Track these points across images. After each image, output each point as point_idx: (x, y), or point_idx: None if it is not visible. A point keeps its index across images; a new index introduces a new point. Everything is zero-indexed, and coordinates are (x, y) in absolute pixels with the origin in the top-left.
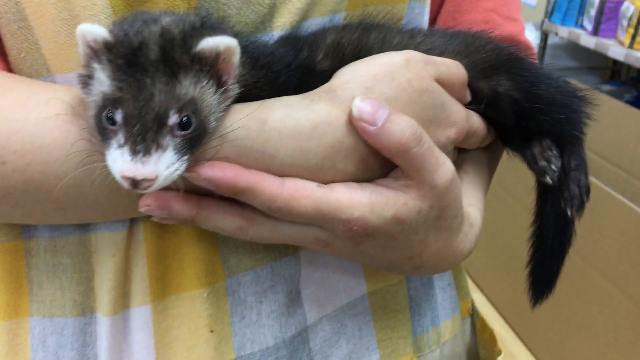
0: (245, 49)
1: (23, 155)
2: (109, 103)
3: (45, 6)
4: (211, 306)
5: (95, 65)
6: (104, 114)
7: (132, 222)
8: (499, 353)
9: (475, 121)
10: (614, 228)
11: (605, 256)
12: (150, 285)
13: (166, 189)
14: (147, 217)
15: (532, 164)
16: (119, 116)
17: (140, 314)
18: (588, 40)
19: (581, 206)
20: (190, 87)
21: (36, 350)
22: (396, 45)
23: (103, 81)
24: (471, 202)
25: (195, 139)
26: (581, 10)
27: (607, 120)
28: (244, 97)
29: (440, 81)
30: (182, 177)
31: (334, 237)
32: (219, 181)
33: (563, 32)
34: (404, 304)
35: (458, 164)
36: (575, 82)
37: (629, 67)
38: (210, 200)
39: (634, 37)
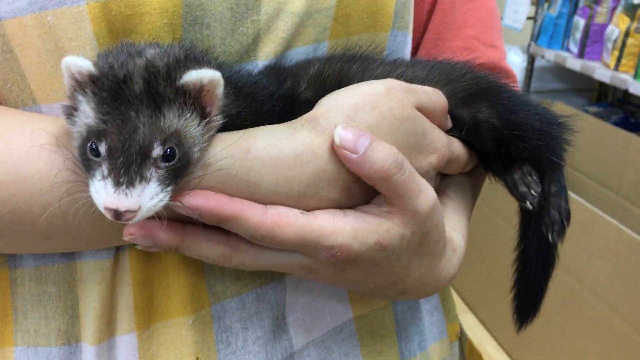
0: (228, 79)
1: (8, 186)
2: (93, 135)
3: (30, 38)
4: (197, 333)
5: (80, 97)
6: (88, 145)
7: (118, 250)
8: None
9: (457, 147)
10: (603, 248)
11: (595, 276)
12: (135, 312)
13: (150, 218)
14: (133, 245)
15: (512, 189)
16: (102, 148)
17: (126, 342)
18: (574, 63)
19: (562, 231)
20: (174, 119)
21: None
22: (378, 75)
23: (87, 113)
24: (454, 227)
25: (179, 169)
26: (567, 34)
27: (595, 142)
28: (228, 126)
29: (421, 109)
30: (165, 206)
31: (318, 263)
32: (203, 210)
33: (549, 55)
34: (390, 328)
35: (441, 190)
36: (562, 104)
37: (615, 89)
38: (194, 228)
39: (619, 59)
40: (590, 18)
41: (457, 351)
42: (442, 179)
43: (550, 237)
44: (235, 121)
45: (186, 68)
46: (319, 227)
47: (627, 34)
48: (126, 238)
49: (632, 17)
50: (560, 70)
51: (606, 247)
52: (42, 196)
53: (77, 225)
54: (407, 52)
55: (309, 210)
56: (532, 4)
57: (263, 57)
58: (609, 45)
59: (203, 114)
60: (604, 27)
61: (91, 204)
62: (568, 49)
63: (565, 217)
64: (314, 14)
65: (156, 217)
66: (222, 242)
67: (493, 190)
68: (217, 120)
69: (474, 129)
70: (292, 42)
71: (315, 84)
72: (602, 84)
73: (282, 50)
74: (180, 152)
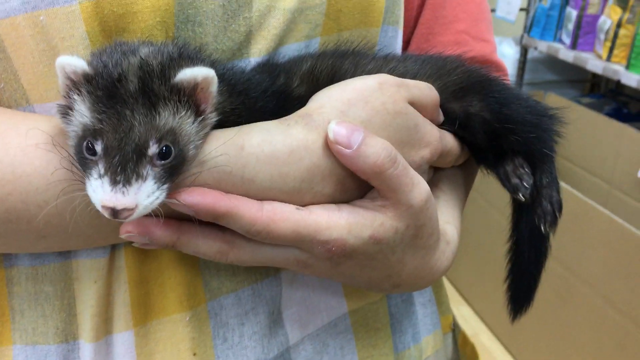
0: (222, 76)
1: (4, 185)
2: (89, 134)
3: (23, 38)
4: (193, 329)
5: (75, 97)
6: (84, 144)
7: (113, 248)
8: None
9: (449, 141)
10: (596, 239)
11: (588, 267)
12: (132, 310)
13: (147, 215)
14: (129, 243)
15: (505, 181)
16: (99, 147)
17: (123, 339)
18: (567, 54)
19: (554, 221)
20: (169, 117)
21: None
22: (370, 70)
23: (83, 112)
24: (447, 219)
25: (175, 167)
26: (559, 25)
27: (588, 133)
28: (223, 123)
29: (413, 103)
30: (162, 204)
31: (313, 258)
32: (199, 207)
33: (542, 46)
34: (385, 321)
35: (434, 183)
36: (555, 95)
37: (608, 80)
38: (190, 225)
39: (611, 50)
40: (582, 9)
41: (451, 343)
42: (435, 173)
43: (542, 228)
44: (229, 118)
45: (180, 66)
46: (314, 222)
47: (619, 25)
48: (123, 236)
49: (624, 8)
50: (553, 62)
51: (599, 238)
52: (39, 195)
53: (74, 224)
54: (398, 47)
55: (304, 205)
56: None
57: (255, 54)
58: (601, 36)
59: (197, 112)
60: (596, 18)
61: (88, 202)
62: (561, 40)
63: (557, 207)
64: (305, 10)
65: (153, 214)
66: (219, 239)
67: (488, 183)
68: (212, 117)
69: (466, 123)
70: (284, 39)
71: (308, 80)
72: (594, 75)
73: (274, 47)
74: (176, 150)
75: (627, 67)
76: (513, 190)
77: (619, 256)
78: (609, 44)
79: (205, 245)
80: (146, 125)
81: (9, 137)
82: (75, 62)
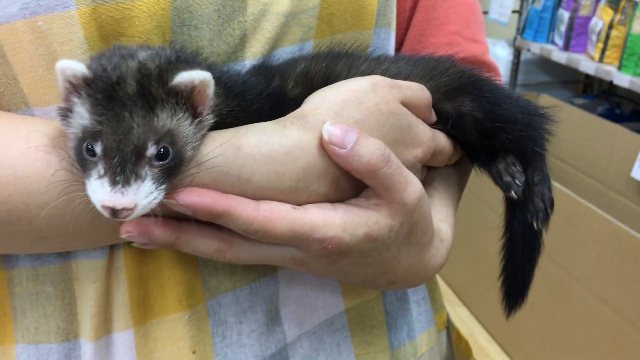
0: (218, 79)
1: (5, 187)
2: (89, 136)
3: (22, 43)
4: (193, 328)
5: (75, 99)
6: (84, 146)
7: (112, 248)
8: None
9: (442, 140)
10: (590, 238)
11: (582, 266)
12: (131, 310)
13: (146, 215)
14: (128, 244)
15: (497, 179)
16: (98, 148)
17: (123, 339)
18: (559, 56)
19: (546, 218)
20: (167, 119)
21: None
22: (363, 72)
23: (83, 115)
24: (441, 217)
25: (173, 168)
26: (552, 27)
27: (581, 133)
28: (220, 125)
29: (405, 104)
30: (160, 204)
31: (310, 256)
32: (197, 207)
33: (535, 48)
34: (380, 319)
35: (428, 182)
36: (548, 96)
37: (600, 81)
38: (189, 224)
39: (603, 51)
40: (574, 11)
41: (445, 340)
42: (428, 172)
43: (535, 225)
44: (226, 120)
45: (177, 69)
46: (310, 220)
47: (610, 26)
48: (123, 236)
49: (615, 10)
50: (546, 63)
51: (592, 237)
52: (40, 196)
53: (74, 224)
54: (390, 49)
55: (299, 204)
56: None
57: (250, 57)
58: (593, 38)
59: (195, 114)
60: (588, 19)
61: (88, 203)
62: (553, 42)
63: (549, 205)
64: (299, 14)
65: (152, 214)
66: (217, 238)
67: (483, 183)
68: (209, 119)
69: (458, 122)
70: (278, 42)
71: (303, 81)
72: (587, 76)
73: (268, 50)
74: (174, 151)
75: (619, 67)
76: (505, 188)
77: (613, 256)
78: (601, 45)
79: (204, 244)
80: (145, 127)
81: (10, 140)
82: (75, 66)
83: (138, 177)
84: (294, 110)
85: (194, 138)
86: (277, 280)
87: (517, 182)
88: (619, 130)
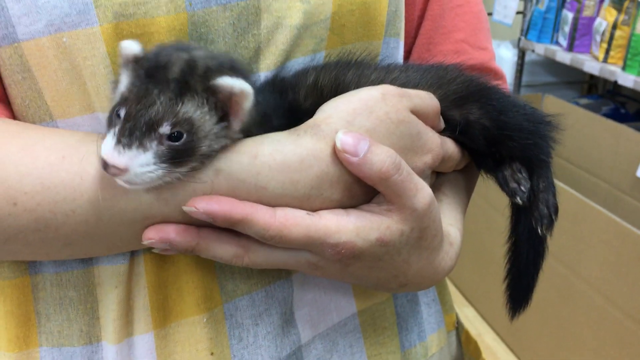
0: (258, 103)
1: (33, 196)
2: (121, 101)
3: (47, 58)
4: (211, 330)
5: (124, 72)
6: (114, 109)
7: (133, 254)
8: None
9: (450, 147)
10: (595, 238)
11: (588, 266)
12: (152, 313)
13: (167, 222)
14: (148, 250)
15: (503, 185)
16: (122, 112)
17: (144, 341)
18: (564, 56)
19: (550, 224)
20: (192, 109)
21: None
22: (373, 80)
23: (123, 83)
24: (450, 222)
25: (181, 152)
26: (556, 27)
27: (586, 133)
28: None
29: (415, 112)
30: (182, 212)
31: (324, 260)
32: (216, 214)
33: (539, 49)
34: (391, 320)
35: (437, 187)
36: (553, 97)
37: (605, 81)
38: (208, 230)
39: (607, 51)
40: (578, 11)
41: (455, 340)
42: (437, 177)
43: (539, 231)
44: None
45: (223, 73)
46: (324, 226)
47: (614, 26)
48: (145, 242)
49: (619, 10)
50: (550, 64)
51: (598, 237)
52: (66, 204)
53: (98, 231)
54: (399, 57)
55: (313, 210)
56: None
57: (264, 69)
58: (598, 38)
59: (223, 118)
60: (592, 20)
61: (112, 211)
62: (557, 43)
63: (554, 211)
64: (311, 26)
65: (173, 221)
66: (235, 243)
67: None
68: (237, 134)
69: (466, 130)
70: (291, 54)
71: (313, 93)
72: (592, 76)
73: (282, 61)
74: (187, 139)
75: (624, 68)
76: (511, 194)
77: (619, 255)
78: (605, 45)
79: (222, 250)
80: (166, 107)
81: (37, 152)
82: (132, 46)
83: (141, 145)
84: (306, 120)
85: (214, 137)
86: (291, 284)
87: (522, 188)
88: (623, 130)
